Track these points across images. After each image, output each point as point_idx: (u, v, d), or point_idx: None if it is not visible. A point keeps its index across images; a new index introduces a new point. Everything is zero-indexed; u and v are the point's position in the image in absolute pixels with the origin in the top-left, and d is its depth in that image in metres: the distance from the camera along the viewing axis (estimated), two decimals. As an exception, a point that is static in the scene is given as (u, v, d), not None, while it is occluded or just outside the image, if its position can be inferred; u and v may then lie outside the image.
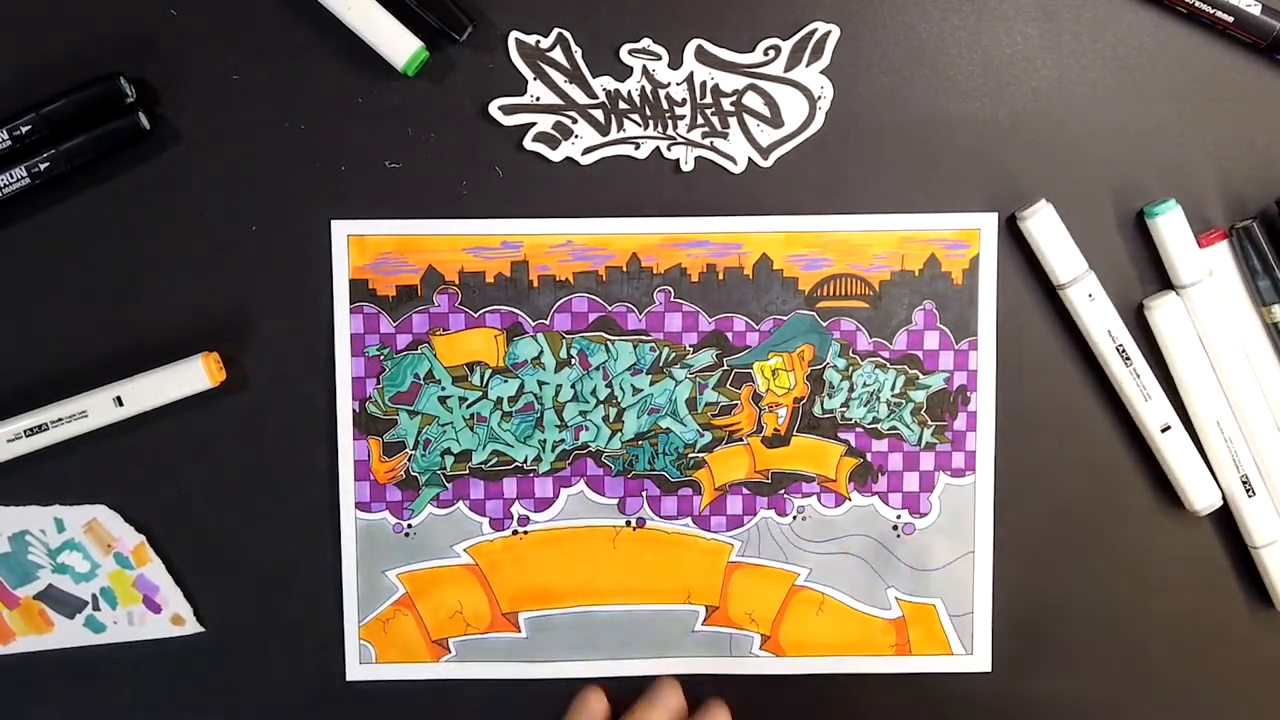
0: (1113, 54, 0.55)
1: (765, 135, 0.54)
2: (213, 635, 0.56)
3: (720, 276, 0.55)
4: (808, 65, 0.54)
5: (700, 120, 0.54)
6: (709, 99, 0.54)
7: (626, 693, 0.55)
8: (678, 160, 0.54)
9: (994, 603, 0.57)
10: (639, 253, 0.55)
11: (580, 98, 0.54)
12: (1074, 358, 0.56)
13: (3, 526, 0.55)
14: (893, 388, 0.56)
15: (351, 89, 0.53)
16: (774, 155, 0.54)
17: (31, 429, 0.53)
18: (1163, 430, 0.56)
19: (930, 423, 0.57)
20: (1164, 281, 0.56)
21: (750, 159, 0.55)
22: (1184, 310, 0.55)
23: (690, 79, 0.54)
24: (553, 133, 0.54)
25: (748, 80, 0.54)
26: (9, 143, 0.51)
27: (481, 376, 0.56)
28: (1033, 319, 0.56)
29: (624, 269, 0.55)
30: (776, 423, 0.56)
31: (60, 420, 0.53)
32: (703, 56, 0.54)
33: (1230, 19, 0.54)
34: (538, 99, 0.54)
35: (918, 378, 0.56)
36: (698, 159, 0.54)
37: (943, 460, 0.57)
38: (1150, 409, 0.55)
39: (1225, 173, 0.56)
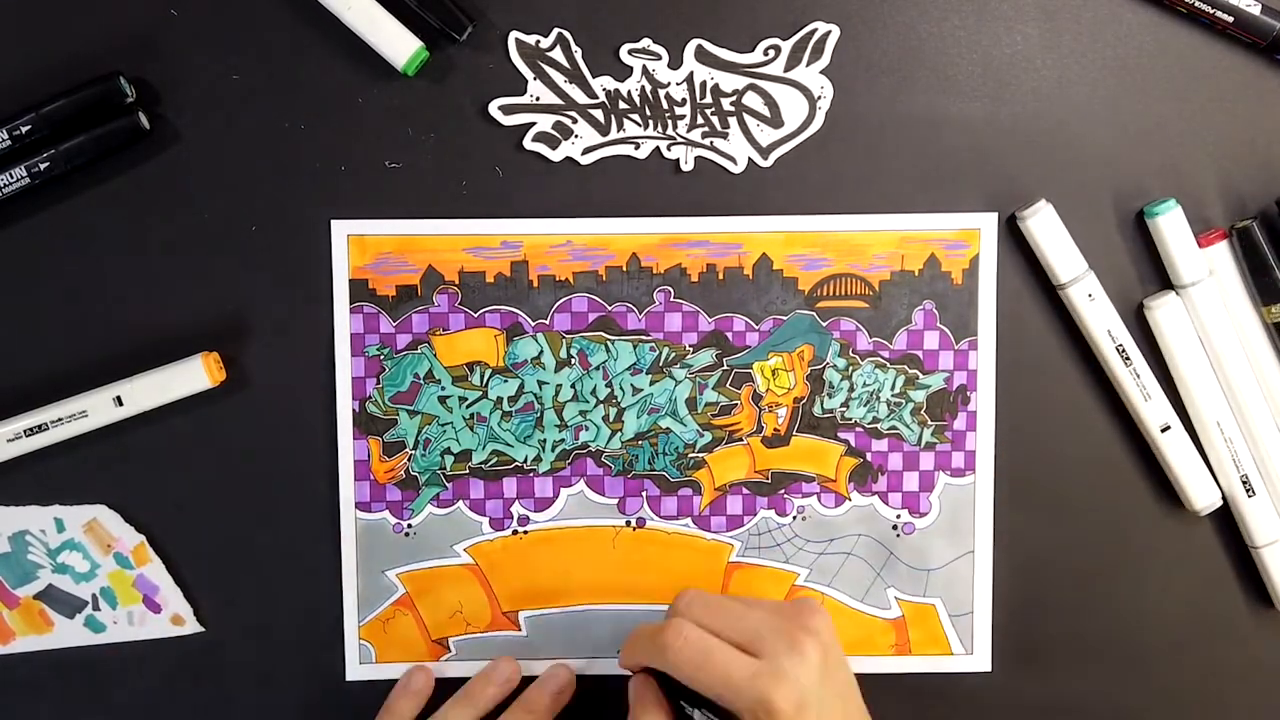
0: (1113, 54, 0.55)
1: (765, 135, 0.54)
2: (213, 635, 0.56)
3: (720, 276, 0.55)
4: (808, 65, 0.54)
5: (700, 120, 0.54)
6: (709, 99, 0.54)
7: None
8: (678, 160, 0.54)
9: (994, 603, 0.57)
10: (639, 253, 0.55)
11: (580, 98, 0.54)
12: (1074, 357, 0.56)
13: (3, 526, 0.55)
14: (893, 388, 0.56)
15: (351, 89, 0.53)
16: (774, 155, 0.54)
17: (31, 429, 0.53)
18: (1163, 430, 0.56)
19: (930, 422, 0.57)
20: (1164, 281, 0.56)
21: (750, 159, 0.55)
22: (1184, 310, 0.55)
23: (690, 79, 0.54)
24: (553, 133, 0.54)
25: (748, 80, 0.54)
26: (9, 143, 0.51)
27: (481, 376, 0.56)
28: (1033, 319, 0.56)
29: (624, 269, 0.55)
30: (776, 423, 0.56)
31: (60, 420, 0.53)
32: (703, 56, 0.54)
33: (1230, 19, 0.54)
34: (538, 99, 0.54)
35: (918, 377, 0.56)
36: (698, 159, 0.54)
37: (943, 460, 0.57)
38: (1150, 408, 0.55)
39: (1225, 173, 0.56)
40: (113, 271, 0.54)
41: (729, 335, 0.56)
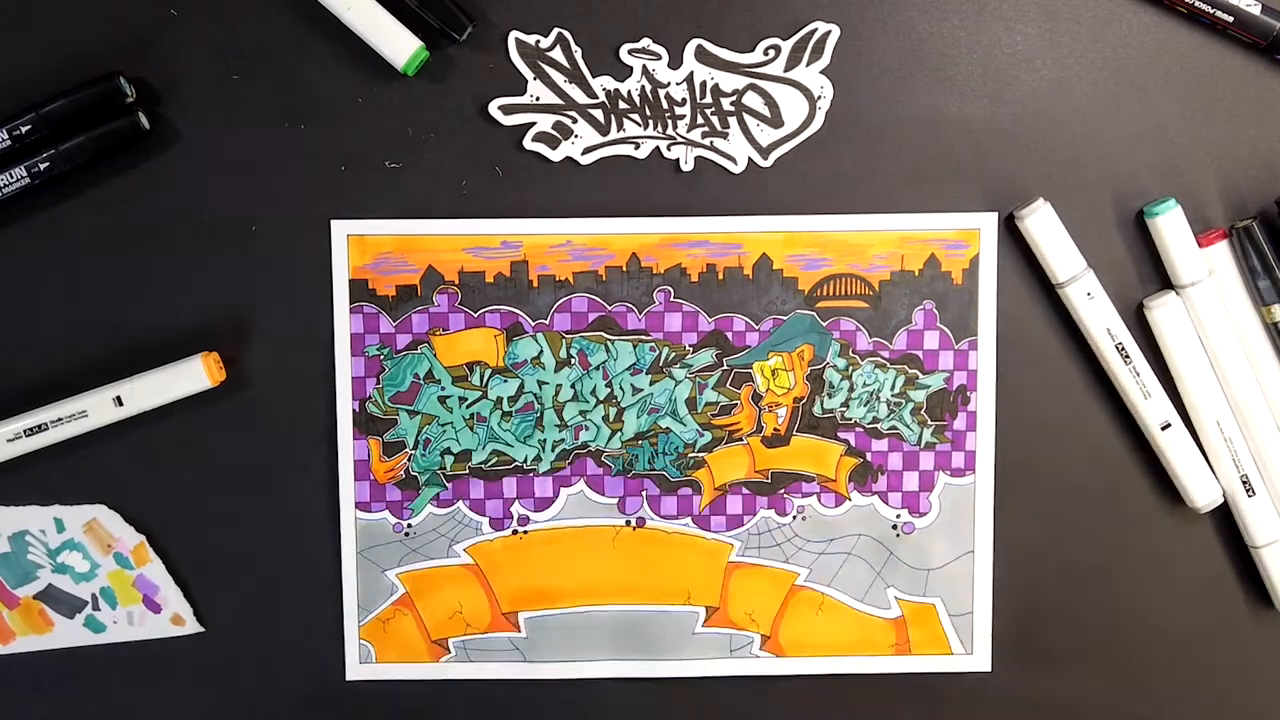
0: (1113, 54, 0.55)
1: (765, 135, 0.54)
2: (213, 635, 0.56)
3: (720, 276, 0.55)
4: (808, 65, 0.54)
5: (700, 120, 0.54)
6: (709, 99, 0.54)
7: (626, 693, 0.55)
8: (678, 160, 0.54)
9: (994, 603, 0.57)
10: (639, 252, 0.55)
11: (580, 98, 0.54)
12: (1074, 357, 0.56)
13: (3, 526, 0.55)
14: (893, 387, 0.56)
15: (351, 89, 0.53)
16: (774, 155, 0.54)
17: (31, 429, 0.53)
18: (1163, 428, 0.56)
19: (930, 422, 0.57)
20: (1164, 281, 0.56)
21: (750, 159, 0.55)
22: (1184, 310, 0.55)
23: (690, 79, 0.54)
24: (553, 133, 0.54)
25: (748, 80, 0.54)
26: (9, 143, 0.51)
27: (481, 376, 0.56)
28: (1032, 318, 0.56)
29: (624, 269, 0.55)
30: (776, 422, 0.56)
31: (60, 420, 0.53)
32: (703, 56, 0.54)
33: (1230, 19, 0.54)
34: (538, 99, 0.54)
35: (918, 377, 0.56)
36: (698, 159, 0.54)
37: (942, 460, 0.57)
38: (1150, 406, 0.55)
39: (1225, 173, 0.56)
40: (113, 271, 0.54)
41: (729, 335, 0.56)
